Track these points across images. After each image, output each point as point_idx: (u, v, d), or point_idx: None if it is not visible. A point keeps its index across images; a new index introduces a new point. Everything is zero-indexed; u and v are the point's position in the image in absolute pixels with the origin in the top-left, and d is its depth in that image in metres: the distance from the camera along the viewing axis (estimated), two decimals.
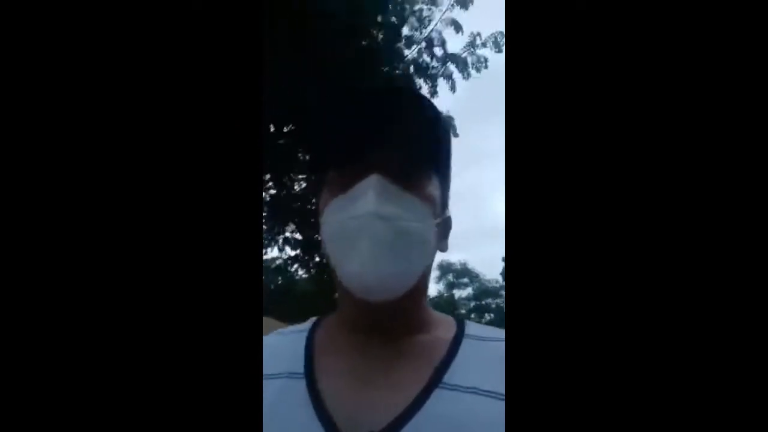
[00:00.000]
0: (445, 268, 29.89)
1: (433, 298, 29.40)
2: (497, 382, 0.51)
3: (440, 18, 6.55)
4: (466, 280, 29.70)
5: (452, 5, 6.31)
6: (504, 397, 0.50)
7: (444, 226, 0.61)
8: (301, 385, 0.55)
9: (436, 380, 0.53)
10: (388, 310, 0.55)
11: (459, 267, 29.58)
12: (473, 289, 29.32)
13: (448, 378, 0.54)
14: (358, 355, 0.57)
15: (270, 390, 0.54)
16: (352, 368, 0.56)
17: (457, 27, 6.60)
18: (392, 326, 0.58)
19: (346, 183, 0.55)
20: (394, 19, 6.25)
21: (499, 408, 0.48)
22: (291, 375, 0.57)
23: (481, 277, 29.36)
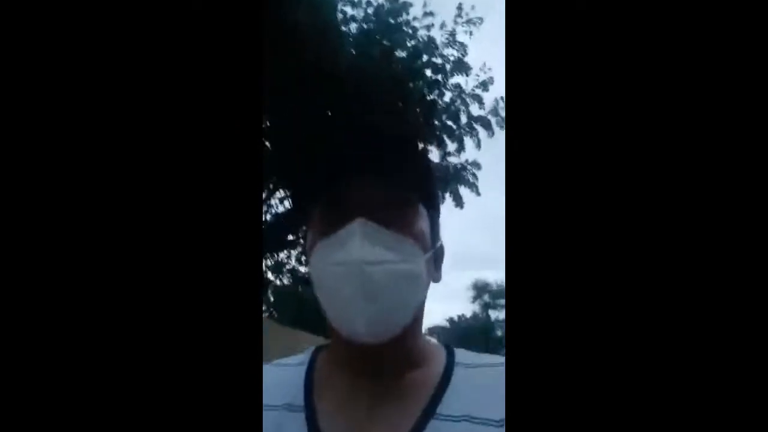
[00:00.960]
0: (481, 289, 29.81)
1: (468, 319, 29.31)
2: (489, 408, 0.51)
3: (468, 92, 6.91)
4: (502, 301, 29.52)
5: (475, 87, 6.71)
6: (496, 424, 0.51)
7: (436, 258, 0.60)
8: (300, 418, 0.55)
9: (429, 412, 0.54)
10: (379, 349, 0.54)
11: (495, 288, 29.42)
12: None
13: (441, 409, 0.54)
14: (352, 394, 0.57)
15: (269, 421, 0.54)
16: (347, 407, 0.56)
17: (480, 101, 6.91)
18: (384, 364, 0.57)
19: (330, 223, 0.54)
20: (427, 92, 6.60)
21: None
22: (290, 408, 0.57)
23: None
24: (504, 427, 0.50)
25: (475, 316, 29.51)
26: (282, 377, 0.61)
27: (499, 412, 0.50)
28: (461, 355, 0.61)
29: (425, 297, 0.58)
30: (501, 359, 0.58)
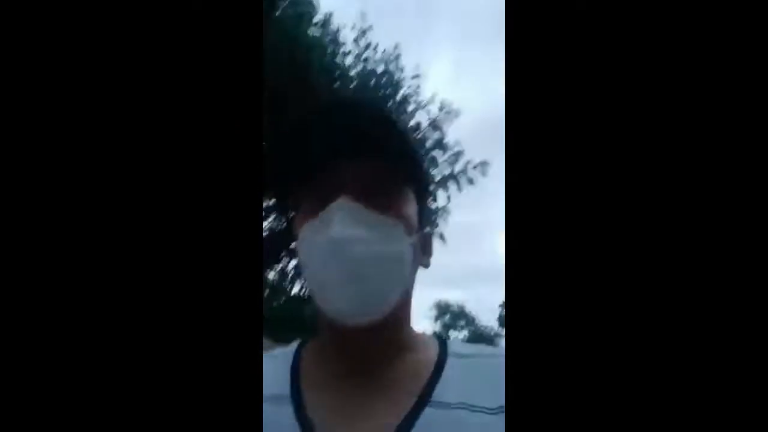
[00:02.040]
0: (443, 309, 30.75)
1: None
2: (484, 397, 0.52)
3: (443, 160, 7.91)
4: (462, 322, 30.52)
5: (451, 158, 7.74)
6: (491, 411, 0.51)
7: (424, 242, 0.61)
8: (288, 410, 0.55)
9: (424, 399, 0.53)
10: (367, 334, 0.54)
11: (456, 309, 30.43)
12: (468, 332, 30.04)
13: (435, 396, 0.54)
14: (342, 383, 0.56)
15: None
16: (337, 397, 0.56)
17: (452, 175, 7.98)
18: (373, 350, 0.57)
19: (316, 204, 0.55)
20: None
21: (489, 420, 0.50)
22: (277, 399, 0.56)
23: (477, 321, 30.21)
24: (499, 414, 0.51)
25: (435, 334, 30.41)
26: (266, 368, 0.59)
27: (493, 400, 0.52)
28: (455, 345, 0.62)
29: (412, 282, 0.59)
30: (495, 350, 0.60)
